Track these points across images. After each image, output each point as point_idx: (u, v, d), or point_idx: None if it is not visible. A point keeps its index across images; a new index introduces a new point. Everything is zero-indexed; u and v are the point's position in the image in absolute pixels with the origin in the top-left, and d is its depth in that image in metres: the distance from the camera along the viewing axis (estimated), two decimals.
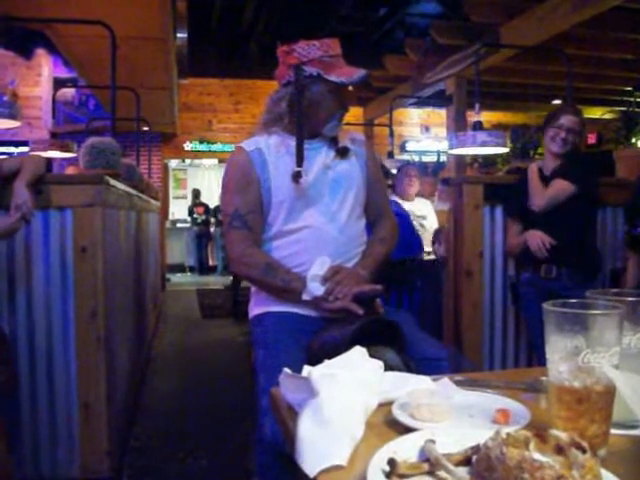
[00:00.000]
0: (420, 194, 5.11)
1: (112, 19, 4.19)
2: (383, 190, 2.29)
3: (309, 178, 1.99)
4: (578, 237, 3.04)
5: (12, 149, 9.37)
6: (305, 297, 1.89)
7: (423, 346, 1.86)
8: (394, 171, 5.33)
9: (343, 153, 2.08)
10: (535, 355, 3.30)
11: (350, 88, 2.02)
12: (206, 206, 13.11)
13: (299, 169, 1.96)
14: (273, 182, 2.00)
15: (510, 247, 3.23)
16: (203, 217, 12.91)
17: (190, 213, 13.17)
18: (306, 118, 2.01)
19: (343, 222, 2.03)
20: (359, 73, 1.95)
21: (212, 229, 13.02)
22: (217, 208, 12.84)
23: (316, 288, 1.89)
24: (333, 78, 1.94)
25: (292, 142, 2.02)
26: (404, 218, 3.60)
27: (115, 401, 2.84)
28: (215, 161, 12.68)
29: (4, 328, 2.25)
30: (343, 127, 2.12)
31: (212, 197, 13.27)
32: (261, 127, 2.10)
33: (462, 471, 0.78)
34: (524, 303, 3.13)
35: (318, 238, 1.99)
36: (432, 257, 4.19)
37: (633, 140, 5.80)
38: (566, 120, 2.97)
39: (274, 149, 2.03)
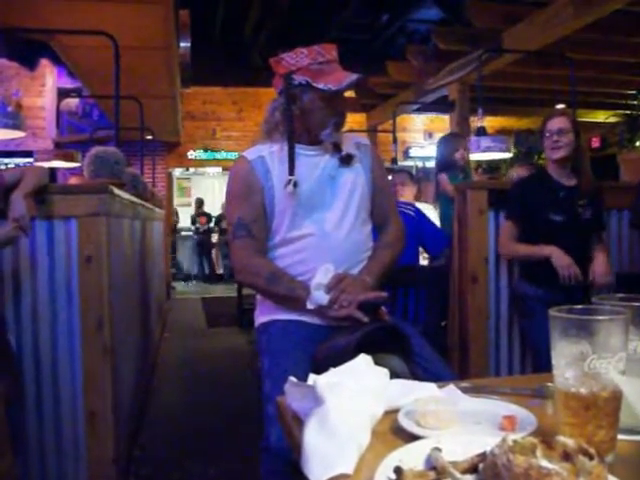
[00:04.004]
0: (424, 200, 5.08)
1: (115, 29, 4.22)
2: (389, 195, 2.28)
3: (310, 185, 1.99)
4: (588, 246, 3.02)
5: (17, 159, 9.40)
6: (309, 306, 1.89)
7: (432, 367, 1.85)
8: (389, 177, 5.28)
9: (347, 161, 2.06)
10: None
11: (351, 93, 2.02)
12: (209, 216, 13.28)
13: (291, 177, 1.96)
14: (276, 190, 1.99)
15: (510, 252, 3.12)
16: (205, 227, 13.07)
17: (193, 222, 13.33)
18: (301, 126, 2.02)
19: (348, 228, 2.02)
20: (349, 79, 1.92)
21: (215, 238, 13.15)
22: (221, 216, 12.83)
23: (320, 297, 1.88)
24: (321, 86, 1.92)
25: (301, 152, 2.02)
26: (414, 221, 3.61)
27: (121, 410, 2.84)
28: (219, 169, 12.71)
29: (10, 339, 2.25)
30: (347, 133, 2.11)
31: (216, 205, 13.29)
32: (262, 135, 2.10)
33: (469, 479, 0.78)
34: (536, 317, 2.99)
35: (322, 245, 1.98)
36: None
37: (637, 143, 5.80)
38: (553, 123, 2.96)
39: (276, 156, 2.03)
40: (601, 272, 2.90)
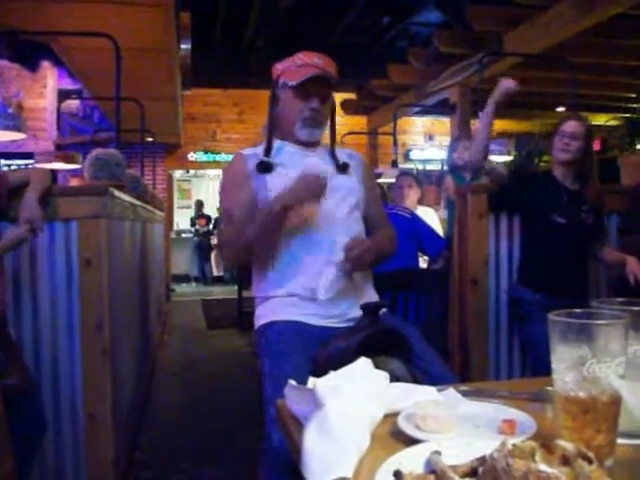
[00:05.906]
0: (425, 203, 5.08)
1: (116, 31, 4.22)
2: (379, 205, 2.38)
3: (298, 172, 2.02)
4: (587, 251, 3.03)
5: (17, 161, 9.39)
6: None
7: (432, 370, 1.85)
8: (393, 180, 5.28)
9: (344, 168, 2.16)
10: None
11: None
12: (208, 217, 13.34)
13: (263, 159, 2.10)
14: (270, 182, 2.06)
15: None
16: (205, 229, 13.15)
17: (192, 224, 13.39)
18: (284, 123, 2.16)
19: (341, 222, 2.06)
20: (308, 74, 2.07)
21: (214, 240, 13.18)
22: (219, 218, 12.94)
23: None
24: (291, 82, 2.10)
25: (290, 148, 2.15)
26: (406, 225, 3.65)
27: (121, 412, 2.84)
28: (219, 171, 12.71)
29: (11, 332, 2.24)
30: (342, 143, 2.16)
31: (216, 207, 13.31)
32: (262, 137, 2.25)
33: None
34: (533, 322, 2.99)
35: (315, 237, 2.01)
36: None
37: (638, 146, 5.80)
38: (568, 126, 2.94)
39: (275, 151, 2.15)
40: (638, 270, 2.86)
